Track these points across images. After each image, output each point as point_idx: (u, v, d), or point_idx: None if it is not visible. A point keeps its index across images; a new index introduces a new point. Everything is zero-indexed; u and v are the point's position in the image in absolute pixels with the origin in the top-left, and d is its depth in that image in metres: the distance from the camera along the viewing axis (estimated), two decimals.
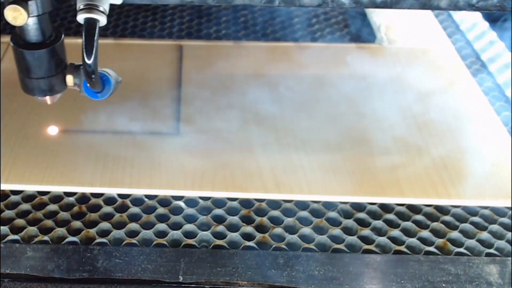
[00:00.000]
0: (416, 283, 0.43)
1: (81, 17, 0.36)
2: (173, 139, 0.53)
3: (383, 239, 0.46)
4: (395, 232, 0.47)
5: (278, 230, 0.47)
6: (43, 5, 0.36)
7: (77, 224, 0.47)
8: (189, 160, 0.50)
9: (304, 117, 0.56)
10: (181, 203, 0.49)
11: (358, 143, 0.54)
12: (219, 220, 0.48)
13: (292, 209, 0.49)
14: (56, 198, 0.49)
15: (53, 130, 0.53)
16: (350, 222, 0.48)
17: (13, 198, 0.49)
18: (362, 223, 0.48)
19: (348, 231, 0.47)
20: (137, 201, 0.49)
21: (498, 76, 0.65)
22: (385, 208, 0.49)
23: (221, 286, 0.42)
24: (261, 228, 0.47)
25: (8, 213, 0.47)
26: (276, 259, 0.44)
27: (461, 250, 0.46)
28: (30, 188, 0.48)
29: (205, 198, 0.49)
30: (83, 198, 0.49)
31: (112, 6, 0.38)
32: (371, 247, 0.46)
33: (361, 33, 0.72)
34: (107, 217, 0.47)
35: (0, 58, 0.61)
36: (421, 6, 0.37)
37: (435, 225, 0.48)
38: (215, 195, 0.49)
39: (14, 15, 0.34)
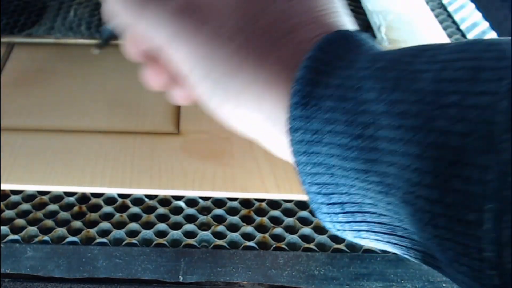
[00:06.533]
0: (416, 283, 0.43)
1: None
2: (173, 139, 0.53)
3: None
4: None
5: (278, 230, 0.47)
6: None
7: (77, 224, 0.47)
8: (189, 160, 0.50)
9: None
10: (181, 203, 0.49)
11: None
12: (219, 220, 0.48)
13: (292, 209, 0.49)
14: (56, 198, 0.49)
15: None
16: None
17: (13, 198, 0.49)
18: None
19: None
20: (137, 201, 0.49)
21: None
22: None
23: (221, 286, 0.42)
24: (261, 228, 0.47)
25: (8, 213, 0.47)
26: (276, 259, 0.44)
27: None
28: (30, 188, 0.48)
29: (205, 198, 0.49)
30: (83, 198, 0.49)
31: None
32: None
33: None
34: (107, 217, 0.47)
35: None
36: None
37: None
38: (215, 195, 0.48)
39: None
